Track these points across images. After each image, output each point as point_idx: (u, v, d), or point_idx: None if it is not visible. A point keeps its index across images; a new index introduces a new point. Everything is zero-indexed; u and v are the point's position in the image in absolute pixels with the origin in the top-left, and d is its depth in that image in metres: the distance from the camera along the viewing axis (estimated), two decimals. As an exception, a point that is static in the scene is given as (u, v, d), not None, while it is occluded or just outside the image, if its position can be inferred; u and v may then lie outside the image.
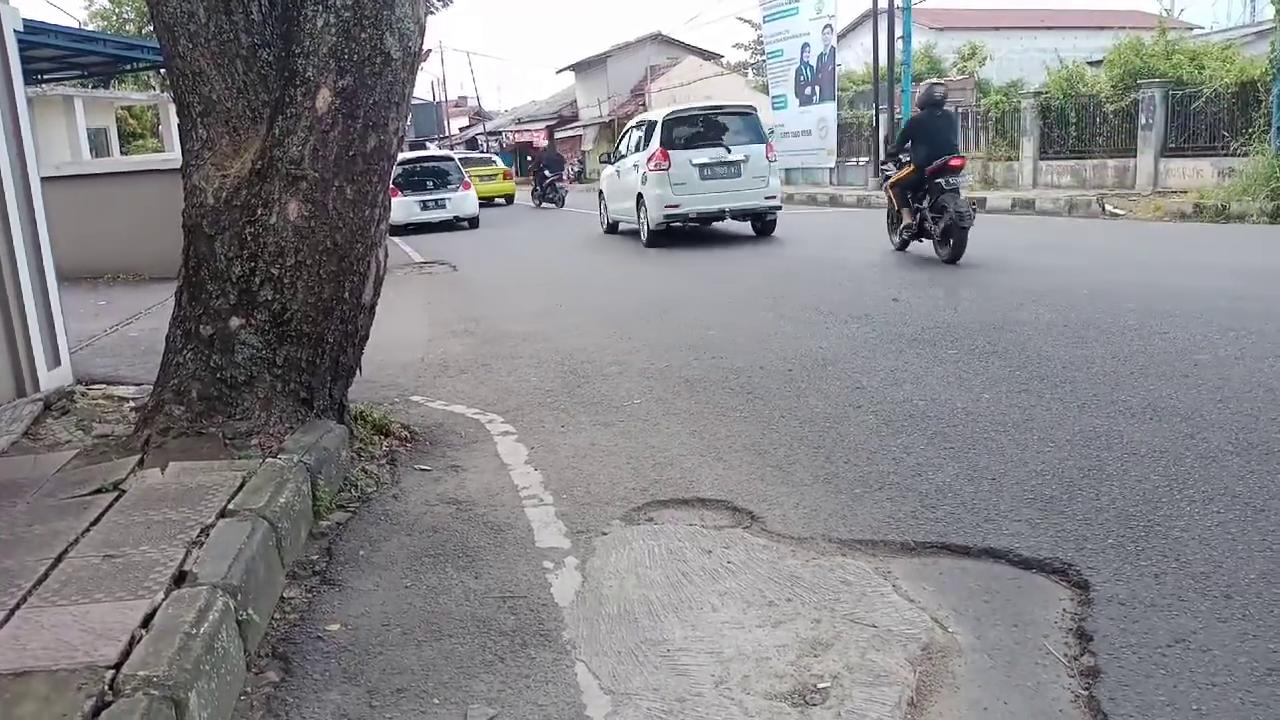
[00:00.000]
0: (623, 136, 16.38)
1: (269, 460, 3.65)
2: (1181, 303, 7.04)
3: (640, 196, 13.86)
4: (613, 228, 16.40)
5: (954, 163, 9.80)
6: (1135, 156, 18.16)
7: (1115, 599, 2.73)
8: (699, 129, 13.83)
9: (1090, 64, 22.45)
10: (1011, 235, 12.80)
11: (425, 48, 4.34)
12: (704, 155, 13.27)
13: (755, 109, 14.63)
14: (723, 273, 10.53)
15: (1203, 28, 33.38)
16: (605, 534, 3.42)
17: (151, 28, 4.57)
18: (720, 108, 14.70)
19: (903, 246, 10.87)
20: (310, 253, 3.87)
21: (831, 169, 26.69)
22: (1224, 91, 16.37)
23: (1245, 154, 14.84)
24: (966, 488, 3.66)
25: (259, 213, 3.87)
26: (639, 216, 14.11)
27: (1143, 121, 17.91)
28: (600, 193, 17.40)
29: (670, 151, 13.25)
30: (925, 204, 10.10)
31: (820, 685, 2.41)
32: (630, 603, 2.89)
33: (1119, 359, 5.44)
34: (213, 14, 4.04)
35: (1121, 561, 2.96)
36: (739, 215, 13.83)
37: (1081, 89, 19.82)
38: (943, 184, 9.70)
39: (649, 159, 13.47)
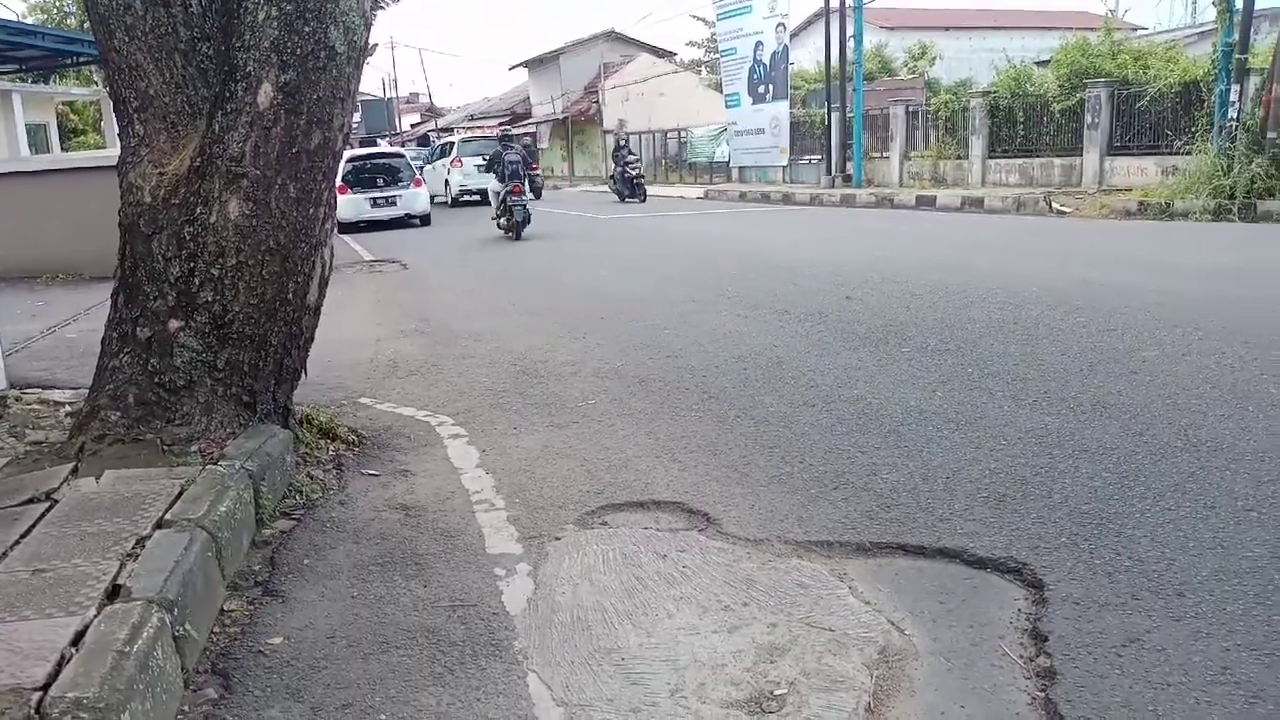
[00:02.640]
0: (438, 148, 30.69)
1: (209, 467, 3.53)
2: (1128, 300, 7.14)
3: (447, 181, 27.42)
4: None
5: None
6: (1081, 155, 18.45)
7: (1069, 598, 2.73)
8: (479, 147, 26.75)
9: (1038, 64, 22.77)
10: (961, 233, 12.93)
11: (372, 42, 4.24)
12: (478, 159, 25.09)
13: (509, 137, 21.34)
14: (677, 273, 10.49)
15: (1146, 28, 34.08)
16: (558, 539, 3.36)
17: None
18: (487, 136, 29.00)
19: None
20: (252, 252, 3.76)
21: (785, 167, 26.81)
22: (1167, 91, 16.69)
23: (1188, 153, 15.13)
24: (921, 487, 3.66)
25: (198, 211, 3.75)
26: (445, 191, 27.19)
27: (1088, 121, 18.21)
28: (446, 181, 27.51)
29: (462, 158, 27.08)
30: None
31: (777, 692, 2.37)
32: (584, 610, 2.83)
33: (1068, 356, 5.49)
34: (150, 7, 3.91)
35: (1075, 560, 2.96)
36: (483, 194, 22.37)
37: (1029, 88, 20.09)
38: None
39: (451, 161, 27.50)
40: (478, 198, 24.49)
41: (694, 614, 2.78)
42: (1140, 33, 30.29)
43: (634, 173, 24.52)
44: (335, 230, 4.43)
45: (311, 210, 3.89)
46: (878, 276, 8.98)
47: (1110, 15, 25.06)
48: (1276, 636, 2.45)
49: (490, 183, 17.28)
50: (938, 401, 4.75)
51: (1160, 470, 3.65)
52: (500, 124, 52.20)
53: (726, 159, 30.37)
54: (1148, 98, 16.97)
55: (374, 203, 19.42)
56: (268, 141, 3.70)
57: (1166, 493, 3.43)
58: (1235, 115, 14.03)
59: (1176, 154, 15.76)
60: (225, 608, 2.94)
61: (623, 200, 24.12)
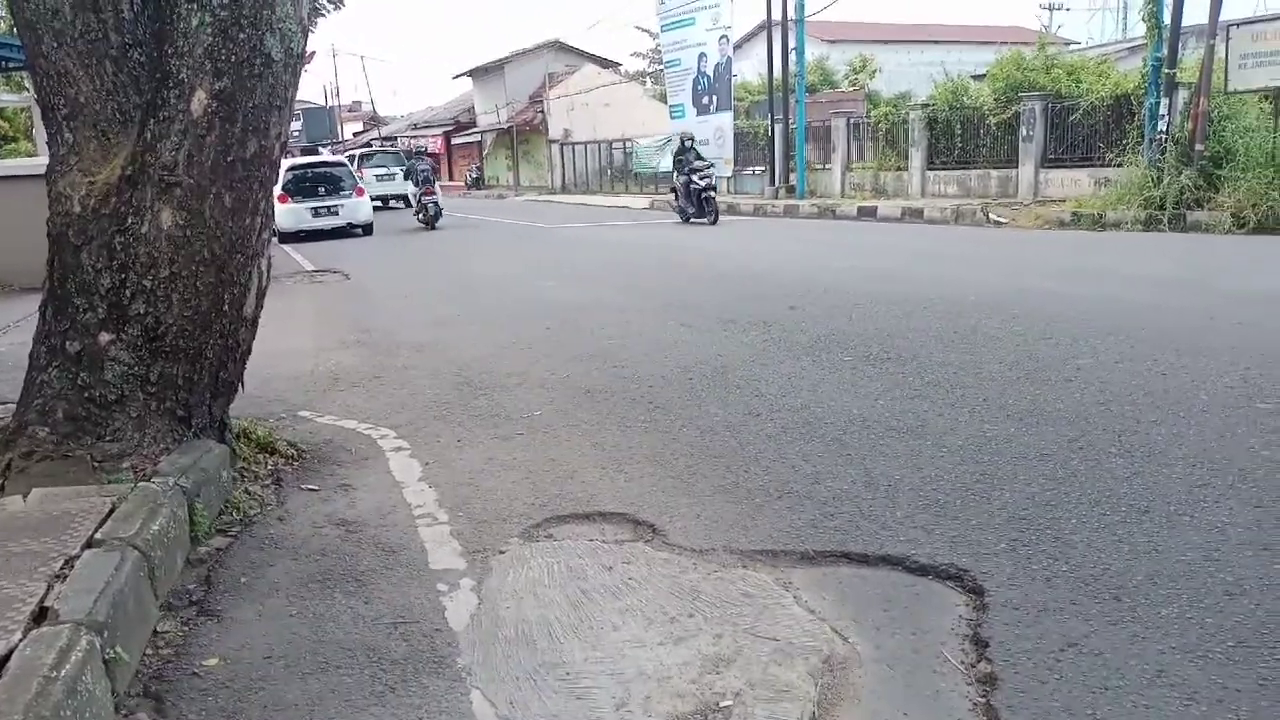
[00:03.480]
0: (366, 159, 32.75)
1: (142, 484, 3.43)
2: (1063, 308, 7.30)
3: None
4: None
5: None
6: (1017, 167, 18.85)
7: (1009, 604, 2.77)
8: (380, 160, 30.69)
9: (974, 77, 23.22)
10: (902, 243, 13.12)
11: (311, 49, 4.18)
12: (378, 170, 28.47)
13: (420, 152, 25.33)
14: (624, 282, 10.50)
15: (1079, 43, 35.02)
16: (503, 553, 3.32)
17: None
18: (385, 151, 33.82)
19: None
20: (186, 263, 3.67)
21: (729, 178, 27.00)
22: (1099, 105, 17.12)
23: (1120, 165, 15.53)
24: (864, 495, 3.69)
25: (130, 221, 3.65)
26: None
27: (1024, 133, 18.61)
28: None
29: (364, 170, 27.66)
30: None
31: (723, 704, 2.37)
32: (528, 624, 2.80)
33: (1006, 364, 5.59)
34: (79, 11, 3.80)
35: (1014, 566, 3.01)
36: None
37: (966, 101, 20.48)
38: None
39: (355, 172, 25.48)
40: (379, 204, 26.99)
41: (640, 626, 2.77)
42: (1073, 47, 31.12)
43: (703, 183, 18.38)
44: (274, 240, 4.35)
45: (248, 220, 3.81)
46: (821, 286, 9.07)
47: (1044, 30, 25.69)
48: (1210, 639, 2.50)
49: (408, 188, 23.37)
50: (880, 410, 4.80)
51: (1095, 476, 3.73)
52: (444, 132, 51.94)
53: (671, 169, 30.50)
54: (1081, 111, 17.39)
55: (315, 212, 19.17)
56: (202, 150, 3.62)
57: (1102, 498, 3.50)
58: (1165, 128, 14.44)
59: (1109, 166, 16.17)
60: (158, 629, 2.86)
61: (687, 221, 18.76)
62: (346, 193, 19.74)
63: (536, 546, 3.38)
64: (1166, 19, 14.52)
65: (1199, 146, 13.77)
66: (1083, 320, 6.76)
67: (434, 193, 20.63)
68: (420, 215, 20.81)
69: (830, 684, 2.44)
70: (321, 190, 19.55)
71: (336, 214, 19.38)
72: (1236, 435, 4.11)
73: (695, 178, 18.45)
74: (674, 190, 19.48)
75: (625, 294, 9.36)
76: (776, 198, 23.20)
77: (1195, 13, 14.74)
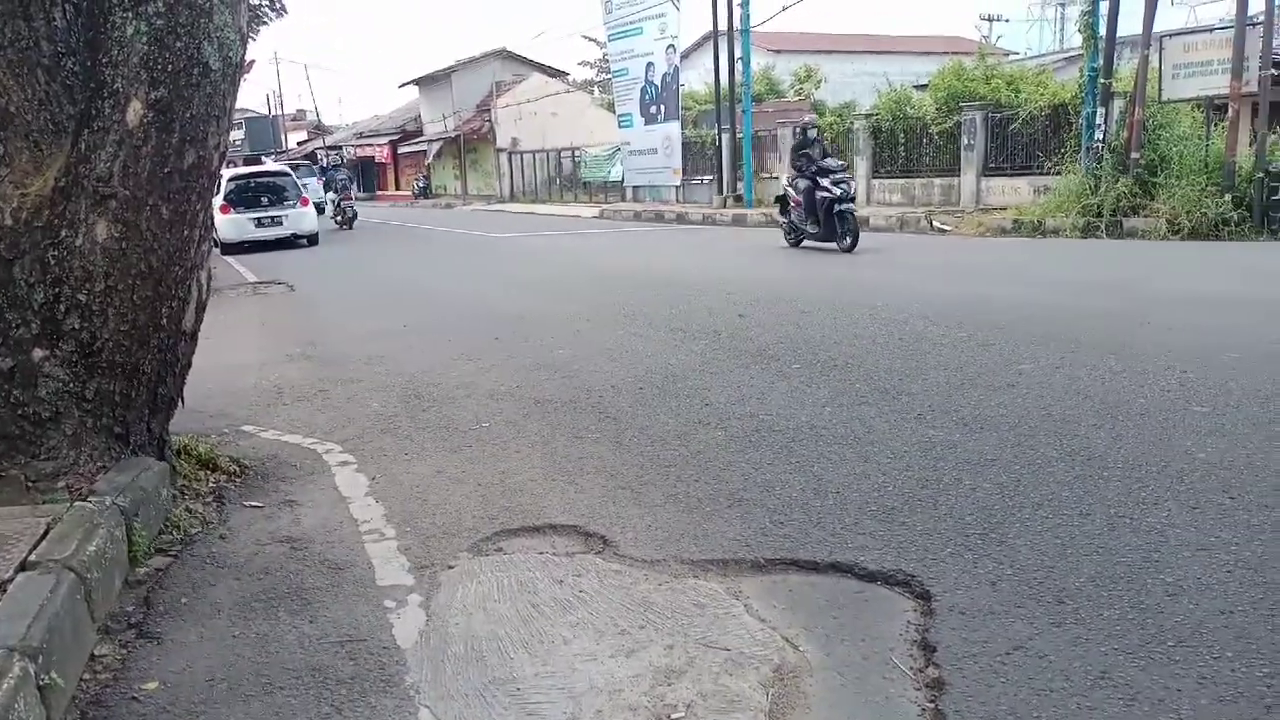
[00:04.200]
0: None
1: (78, 503, 3.34)
2: (1005, 315, 7.43)
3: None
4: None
5: None
6: (959, 175, 19.19)
7: (956, 608, 2.80)
8: (302, 174, 27.54)
9: (917, 87, 23.62)
10: (845, 251, 13.24)
11: (251, 58, 4.11)
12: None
13: (339, 164, 26.12)
14: (573, 292, 10.49)
15: (1018, 53, 35.78)
16: (452, 568, 3.28)
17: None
18: (302, 164, 29.51)
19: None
20: (122, 277, 3.58)
21: (678, 187, 27.12)
22: (1038, 114, 17.50)
23: (1058, 173, 15.88)
24: (813, 502, 3.71)
25: (63, 234, 3.55)
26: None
27: (965, 142, 18.95)
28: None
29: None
30: None
31: (675, 715, 2.36)
32: (478, 640, 2.77)
33: (950, 370, 5.67)
34: (9, 19, 3.69)
35: (960, 571, 3.04)
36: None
37: (909, 111, 20.81)
38: None
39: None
40: None
41: (591, 639, 2.75)
42: (1012, 58, 31.80)
43: (838, 191, 12.69)
44: (214, 252, 4.27)
45: (186, 232, 3.73)
46: (769, 295, 9.13)
47: (984, 41, 26.20)
48: (1151, 640, 2.55)
49: (327, 196, 26.01)
50: (827, 417, 4.83)
51: (1038, 480, 3.79)
52: (390, 141, 51.50)
53: (621, 179, 30.59)
54: (1020, 120, 17.77)
55: (259, 223, 18.88)
56: (138, 161, 3.54)
57: (1044, 502, 3.56)
58: (1101, 137, 14.80)
59: (1048, 174, 16.52)
60: (96, 653, 2.78)
61: (797, 244, 13.72)
62: (291, 203, 19.47)
63: (486, 561, 3.35)
64: (1102, 30, 14.90)
65: (1134, 155, 14.13)
66: (1023, 326, 6.89)
67: (350, 198, 23.60)
68: (338, 219, 24.00)
69: (781, 693, 2.45)
70: (265, 200, 19.26)
71: (281, 224, 19.10)
72: (1173, 438, 4.21)
73: (826, 182, 12.67)
74: (784, 199, 13.93)
75: (575, 303, 9.35)
76: (725, 206, 23.35)
77: (1130, 24, 15.15)
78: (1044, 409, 4.76)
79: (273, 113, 56.15)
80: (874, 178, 21.28)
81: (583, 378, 6.00)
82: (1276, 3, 13.32)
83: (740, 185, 23.73)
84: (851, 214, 12.85)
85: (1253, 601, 2.72)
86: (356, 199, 27.73)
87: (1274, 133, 13.74)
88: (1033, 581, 2.94)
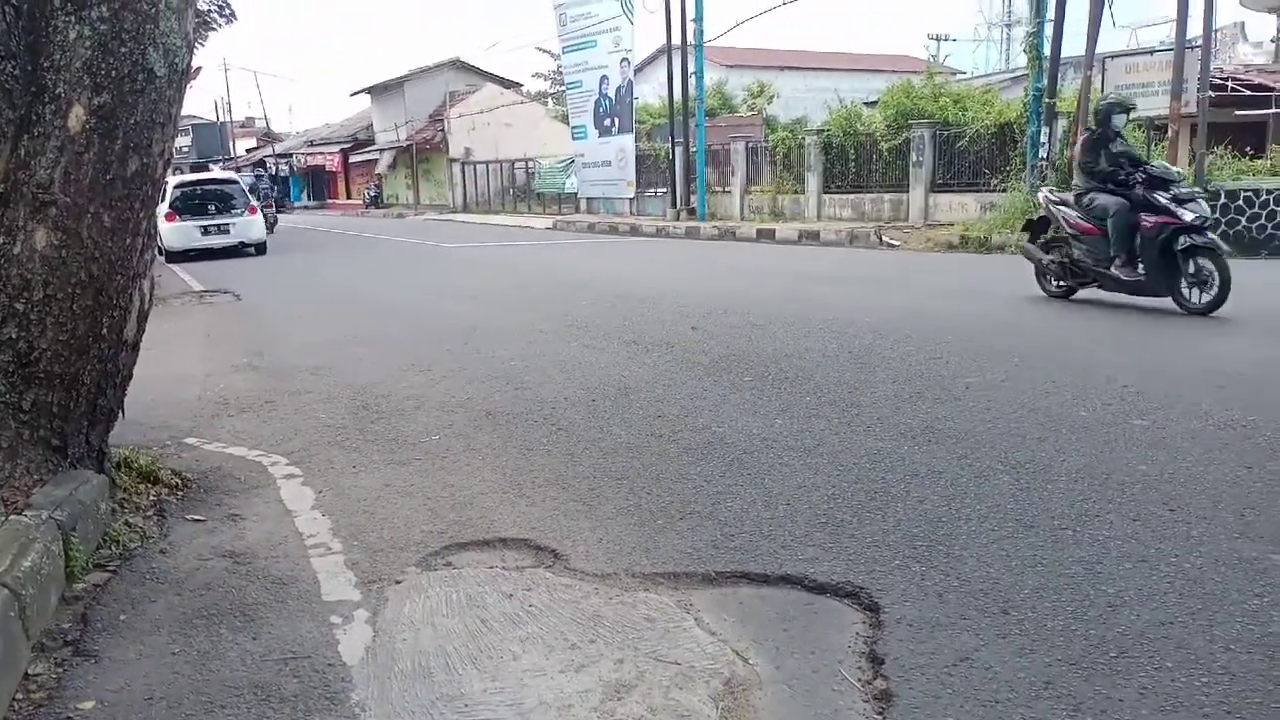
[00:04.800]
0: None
1: (13, 517, 3.23)
2: (952, 328, 7.54)
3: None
4: None
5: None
6: (908, 191, 19.49)
7: (904, 620, 2.82)
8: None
9: (867, 104, 23.95)
10: (799, 265, 13.39)
11: (197, 65, 4.05)
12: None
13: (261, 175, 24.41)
14: (525, 303, 10.45)
15: (965, 72, 36.46)
16: (399, 582, 3.24)
17: None
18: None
19: None
20: (61, 285, 3.50)
21: (631, 199, 27.19)
22: (984, 132, 17.85)
23: (1004, 190, 16.21)
24: (764, 514, 3.72)
25: (1, 242, 3.46)
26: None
27: (914, 159, 19.26)
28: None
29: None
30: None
31: (624, 730, 2.35)
32: (426, 656, 2.73)
33: (898, 383, 5.73)
34: (-55, 20, 3.60)
35: (908, 582, 3.07)
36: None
37: (859, 127, 21.10)
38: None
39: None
40: None
41: (540, 654, 2.73)
42: (959, 76, 32.39)
43: (1189, 217, 7.80)
44: (159, 260, 4.18)
45: (128, 240, 3.65)
46: (721, 307, 9.18)
47: (932, 60, 26.65)
48: (1094, 650, 2.59)
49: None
50: (778, 429, 4.86)
51: (984, 492, 3.84)
52: (341, 150, 51.00)
53: (575, 190, 30.61)
54: (967, 138, 18.10)
55: (205, 230, 18.57)
56: (79, 168, 3.46)
57: (990, 514, 3.61)
58: (1045, 155, 15.14)
59: (994, 191, 16.85)
60: (30, 672, 2.69)
61: (1069, 293, 9.09)
62: (239, 210, 19.17)
63: (435, 575, 3.31)
64: (1046, 51, 15.25)
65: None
66: (970, 340, 6.99)
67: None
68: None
69: (731, 706, 2.44)
70: (212, 208, 18.94)
71: (228, 232, 18.80)
72: (1115, 451, 4.30)
73: (1164, 199, 8.04)
74: (1040, 224, 9.52)
75: (527, 313, 9.31)
76: (678, 219, 23.46)
77: (1074, 46, 15.54)
78: (990, 422, 4.84)
79: (221, 119, 55.38)
80: (825, 193, 21.52)
81: (535, 389, 5.97)
82: (1214, 28, 13.74)
83: (693, 199, 23.85)
84: (1214, 251, 7.82)
85: (1192, 612, 2.78)
86: (306, 208, 27.84)
87: (1212, 152, 14.15)
88: (978, 593, 2.97)
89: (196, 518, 3.91)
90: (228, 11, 17.66)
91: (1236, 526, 3.39)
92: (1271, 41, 27.54)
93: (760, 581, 3.17)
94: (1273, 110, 18.97)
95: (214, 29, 17.79)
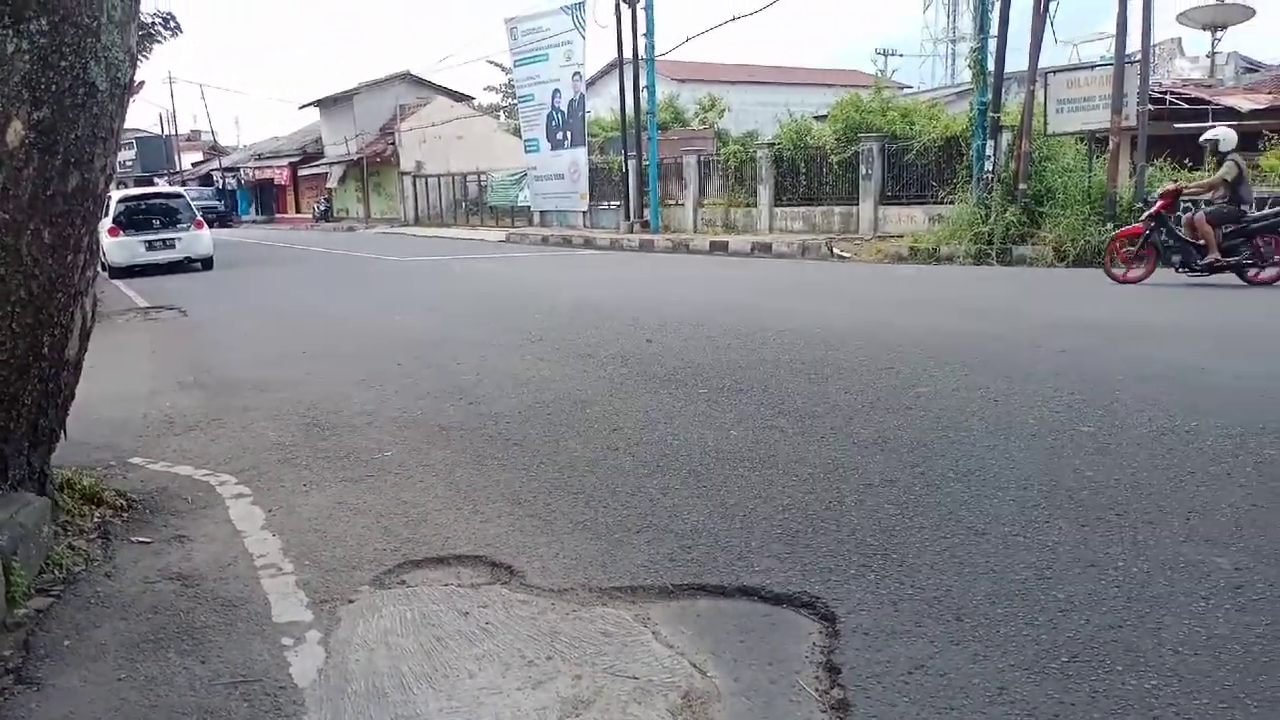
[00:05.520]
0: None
1: (-52, 543, 3.14)
2: (903, 339, 7.63)
3: None
4: None
5: None
6: (858, 204, 19.73)
7: (859, 629, 2.84)
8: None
9: (816, 118, 24.22)
10: (752, 277, 13.48)
11: (140, 79, 3.98)
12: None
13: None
14: (478, 316, 10.39)
15: (912, 87, 37.05)
16: (352, 602, 3.19)
17: None
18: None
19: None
20: (0, 304, 3.41)
21: (585, 212, 27.22)
22: (931, 146, 18.13)
23: (951, 202, 16.47)
24: (720, 526, 3.73)
25: (-64, 258, 3.36)
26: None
27: (863, 172, 19.50)
28: None
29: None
30: None
31: (582, 747, 2.33)
32: (380, 677, 2.69)
33: (851, 393, 5.78)
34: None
35: (864, 591, 3.09)
36: None
37: (809, 141, 21.34)
38: None
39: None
40: None
41: (497, 672, 2.70)
42: (906, 91, 32.89)
43: None
44: (102, 276, 4.10)
45: (69, 257, 3.57)
46: (675, 320, 9.20)
47: (880, 74, 27.04)
48: (1045, 655, 2.63)
49: None
50: (734, 441, 4.88)
51: (936, 500, 3.89)
52: (290, 163, 50.43)
53: (528, 203, 30.56)
54: (914, 151, 18.38)
55: (150, 245, 18.24)
56: (18, 183, 3.37)
57: (942, 522, 3.65)
58: (991, 168, 15.40)
59: (941, 203, 17.11)
60: (-33, 703, 2.61)
61: None
62: (184, 225, 18.85)
63: (388, 594, 3.26)
64: (990, 66, 15.53)
65: (1022, 185, 14.74)
66: (920, 350, 7.08)
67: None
68: None
69: (690, 720, 2.44)
70: (157, 222, 18.61)
71: (173, 247, 18.48)
72: (1063, 457, 4.37)
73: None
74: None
75: (481, 328, 9.26)
76: (632, 232, 23.52)
77: (1017, 60, 15.83)
78: (941, 430, 4.90)
79: (166, 133, 54.53)
80: (777, 205, 21.71)
81: (489, 403, 5.93)
82: (1152, 43, 14.11)
83: (647, 211, 23.93)
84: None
85: (1140, 616, 2.83)
86: (254, 222, 26.97)
87: (1152, 165, 14.52)
88: (932, 600, 3.00)
89: (142, 539, 3.83)
90: (173, 24, 17.41)
91: (1181, 530, 3.47)
92: (1207, 57, 28.36)
93: (717, 594, 3.17)
94: (1210, 123, 19.51)
95: (159, 41, 17.52)
